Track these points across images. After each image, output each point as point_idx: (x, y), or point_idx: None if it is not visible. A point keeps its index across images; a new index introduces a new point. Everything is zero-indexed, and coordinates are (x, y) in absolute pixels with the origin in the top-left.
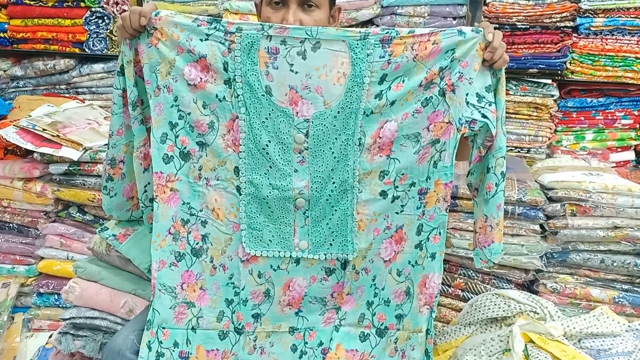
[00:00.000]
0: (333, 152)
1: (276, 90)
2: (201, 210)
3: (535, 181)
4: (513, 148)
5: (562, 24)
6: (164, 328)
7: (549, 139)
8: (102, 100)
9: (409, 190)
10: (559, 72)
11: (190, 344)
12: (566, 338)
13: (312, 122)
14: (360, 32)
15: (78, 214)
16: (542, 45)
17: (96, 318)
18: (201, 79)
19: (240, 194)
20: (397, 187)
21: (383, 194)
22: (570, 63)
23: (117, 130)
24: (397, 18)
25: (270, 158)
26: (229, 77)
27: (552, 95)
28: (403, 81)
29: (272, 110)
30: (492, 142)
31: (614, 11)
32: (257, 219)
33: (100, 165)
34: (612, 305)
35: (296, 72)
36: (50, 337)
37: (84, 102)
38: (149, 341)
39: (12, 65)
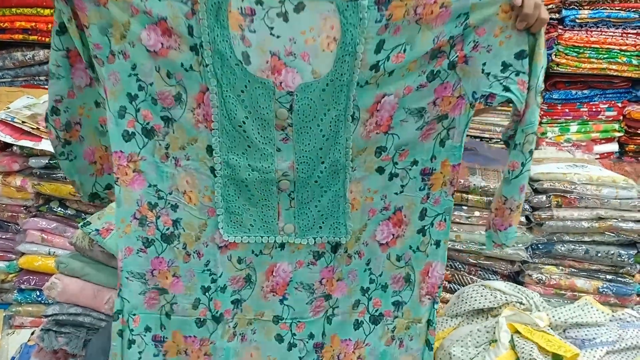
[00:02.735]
0: (321, 130)
1: (255, 57)
2: (170, 193)
3: None
4: (498, 140)
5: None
6: (134, 315)
7: None
8: None
9: (410, 169)
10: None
11: (165, 329)
12: (551, 328)
13: (297, 96)
14: None
15: (59, 209)
16: None
17: (79, 314)
18: (162, 44)
19: (215, 176)
20: (396, 163)
21: (380, 170)
22: (555, 55)
23: (67, 93)
24: None
25: (248, 136)
26: (194, 43)
27: None
28: (404, 50)
29: (249, 81)
30: (521, 116)
31: (599, 3)
32: (236, 202)
33: None
34: (596, 295)
35: (278, 37)
36: (32, 334)
37: None
38: (120, 329)
39: None
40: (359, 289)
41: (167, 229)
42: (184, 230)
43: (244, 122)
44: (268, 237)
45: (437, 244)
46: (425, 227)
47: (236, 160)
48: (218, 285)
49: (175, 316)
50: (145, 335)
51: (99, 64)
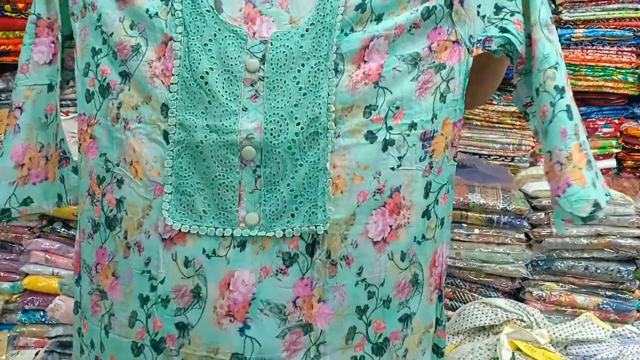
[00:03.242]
0: (298, 82)
1: (228, 5)
2: (118, 165)
3: (520, 190)
4: (497, 157)
5: None
6: (85, 318)
7: (532, 148)
8: None
9: (407, 135)
10: None
11: (104, 350)
12: (552, 345)
13: (271, 44)
14: None
15: (63, 229)
16: None
17: None
18: None
19: (168, 143)
20: (390, 127)
21: (370, 135)
22: None
23: (21, 67)
24: None
25: (210, 90)
26: None
27: None
28: None
29: (219, 29)
30: (524, 61)
31: (594, 22)
32: (188, 179)
33: None
34: (596, 311)
35: None
36: (36, 354)
37: (67, 115)
38: (79, 327)
39: None
40: (354, 311)
41: (111, 211)
42: (127, 214)
43: (207, 74)
44: (224, 228)
45: (442, 222)
46: (430, 207)
47: (193, 120)
48: (159, 294)
49: (112, 334)
50: (91, 352)
51: (74, 20)
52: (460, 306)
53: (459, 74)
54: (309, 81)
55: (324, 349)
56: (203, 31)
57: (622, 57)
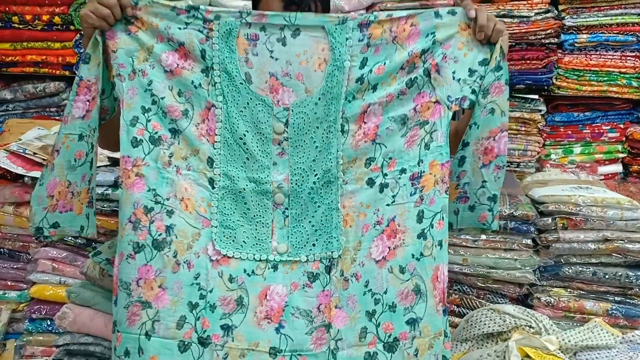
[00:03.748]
0: (315, 142)
1: (256, 78)
2: (168, 199)
3: (526, 195)
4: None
5: (547, 41)
6: (118, 332)
7: (537, 153)
8: None
9: (399, 178)
10: (546, 87)
11: (143, 353)
12: (562, 351)
13: (292, 111)
14: (338, 16)
15: (70, 238)
16: (528, 61)
17: (90, 344)
18: (178, 65)
19: (214, 187)
20: (385, 174)
21: (370, 182)
22: (556, 78)
23: (64, 117)
24: None
25: (247, 149)
26: (206, 66)
27: (540, 110)
28: (385, 64)
29: (251, 99)
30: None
31: (597, 27)
32: (231, 216)
33: None
34: (605, 317)
35: (276, 59)
36: None
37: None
38: (115, 345)
39: (1, 89)
40: (364, 315)
41: (159, 235)
42: (177, 237)
43: (245, 135)
44: (260, 255)
45: (440, 244)
46: (425, 230)
47: (235, 172)
48: (207, 301)
49: (156, 337)
50: None
51: (121, 80)
52: (467, 313)
53: (440, 127)
54: (323, 140)
55: (341, 344)
56: (238, 100)
57: (626, 62)
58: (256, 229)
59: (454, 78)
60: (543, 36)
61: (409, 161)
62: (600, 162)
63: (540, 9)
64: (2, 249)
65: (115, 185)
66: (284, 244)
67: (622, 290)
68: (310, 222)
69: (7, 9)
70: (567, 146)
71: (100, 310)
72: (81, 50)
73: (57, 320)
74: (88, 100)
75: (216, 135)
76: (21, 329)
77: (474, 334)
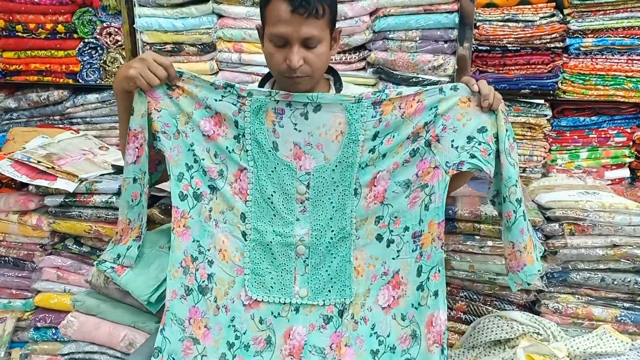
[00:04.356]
0: (332, 202)
1: (282, 146)
2: (209, 250)
3: (533, 201)
4: None
5: (552, 45)
6: (173, 358)
7: (543, 158)
8: (96, 130)
9: (403, 235)
10: (551, 92)
11: None
12: (570, 359)
13: (313, 175)
14: (354, 96)
15: (75, 246)
16: (533, 66)
17: (95, 352)
18: (214, 131)
19: (246, 240)
20: (392, 231)
21: (379, 237)
22: (561, 83)
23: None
24: (389, 43)
25: (274, 207)
26: (238, 134)
27: (545, 115)
28: (393, 136)
29: (277, 164)
30: (501, 175)
31: (603, 31)
32: (260, 264)
33: (96, 196)
34: (614, 324)
35: (299, 131)
36: None
37: (78, 133)
38: None
39: (5, 97)
40: (369, 353)
41: (203, 281)
42: (216, 285)
43: (272, 195)
44: (285, 298)
45: (436, 294)
46: (423, 283)
47: (263, 226)
48: (242, 342)
49: None
50: None
51: (167, 138)
52: (474, 319)
53: (438, 189)
54: (339, 201)
55: None
56: (267, 165)
57: (632, 66)
58: (281, 275)
59: (452, 146)
60: (548, 40)
61: (411, 220)
62: (607, 166)
63: (545, 13)
64: (6, 258)
65: (119, 193)
66: (305, 289)
67: (631, 296)
68: (327, 271)
69: (10, 17)
70: (574, 151)
71: (105, 318)
72: (84, 59)
73: (62, 329)
74: (137, 147)
75: (248, 194)
76: (26, 338)
77: (481, 341)
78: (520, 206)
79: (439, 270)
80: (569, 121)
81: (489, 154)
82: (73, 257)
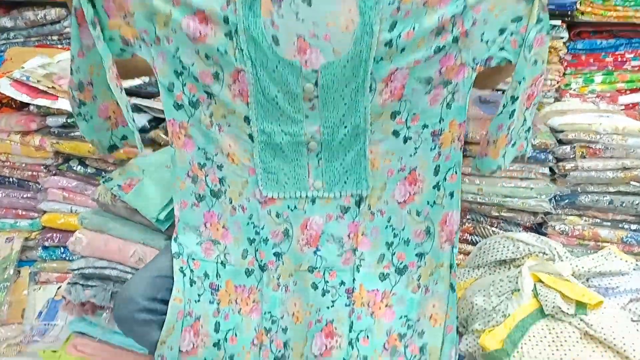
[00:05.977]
0: (343, 99)
1: (283, 40)
2: (216, 155)
3: (545, 124)
4: None
5: None
6: (194, 259)
7: (557, 83)
8: None
9: (421, 133)
10: (569, 13)
11: (219, 277)
12: (575, 277)
13: (321, 73)
14: None
15: (79, 167)
16: None
17: (105, 268)
18: (200, 32)
19: (253, 141)
20: (409, 127)
21: (395, 133)
22: (580, 3)
23: (77, 53)
24: None
25: (280, 107)
26: (229, 30)
27: (562, 38)
28: (414, 28)
29: (279, 62)
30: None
31: None
32: (272, 163)
33: None
34: (620, 245)
35: (302, 20)
36: (58, 289)
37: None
38: (181, 267)
39: (0, 16)
40: (383, 244)
41: (215, 186)
42: (229, 187)
43: (276, 96)
44: (300, 192)
45: (451, 195)
46: (439, 182)
47: (270, 127)
48: (261, 237)
49: (229, 265)
50: (204, 281)
51: (147, 46)
52: (480, 241)
53: (462, 87)
54: (351, 99)
55: (363, 264)
56: (267, 64)
57: None
58: (294, 171)
59: (481, 40)
60: None
61: (431, 118)
62: (622, 91)
63: None
64: (11, 178)
65: None
66: (319, 181)
67: (638, 218)
68: (341, 164)
69: None
70: (588, 75)
71: (114, 235)
72: None
73: (70, 245)
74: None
75: (249, 97)
76: (35, 257)
77: (487, 261)
78: (511, 103)
79: (456, 172)
80: (586, 44)
81: (520, 46)
82: (78, 178)
